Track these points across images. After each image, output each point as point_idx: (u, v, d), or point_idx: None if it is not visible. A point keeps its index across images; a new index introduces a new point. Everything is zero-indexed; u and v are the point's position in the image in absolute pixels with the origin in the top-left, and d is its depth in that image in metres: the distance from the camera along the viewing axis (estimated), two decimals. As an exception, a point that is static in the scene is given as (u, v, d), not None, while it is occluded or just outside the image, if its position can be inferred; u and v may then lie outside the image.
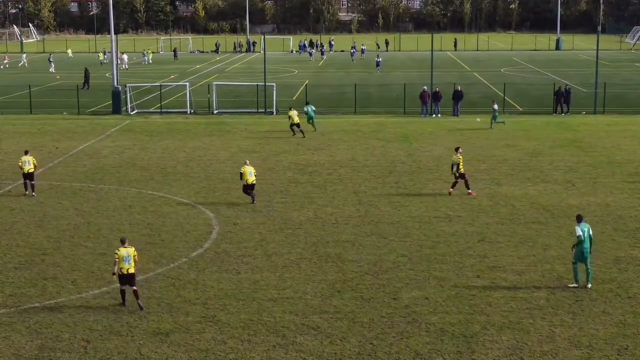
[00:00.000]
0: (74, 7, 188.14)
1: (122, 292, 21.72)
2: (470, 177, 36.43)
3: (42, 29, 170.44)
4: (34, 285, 23.32)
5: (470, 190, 33.48)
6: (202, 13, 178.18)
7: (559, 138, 46.76)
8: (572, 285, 22.76)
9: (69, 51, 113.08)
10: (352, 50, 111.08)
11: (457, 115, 55.40)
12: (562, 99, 56.57)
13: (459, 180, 33.42)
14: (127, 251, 21.58)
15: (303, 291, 22.65)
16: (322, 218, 30.13)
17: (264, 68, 61.09)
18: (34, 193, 34.08)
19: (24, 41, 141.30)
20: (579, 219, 23.18)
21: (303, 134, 47.59)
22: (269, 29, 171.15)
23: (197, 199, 33.19)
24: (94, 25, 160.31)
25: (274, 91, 58.22)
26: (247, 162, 33.11)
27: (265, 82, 58.39)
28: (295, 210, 31.31)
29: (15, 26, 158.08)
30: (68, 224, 29.73)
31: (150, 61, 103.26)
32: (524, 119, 54.52)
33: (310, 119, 49.45)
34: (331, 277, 23.82)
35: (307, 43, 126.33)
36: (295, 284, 23.25)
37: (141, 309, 21.31)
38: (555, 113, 56.36)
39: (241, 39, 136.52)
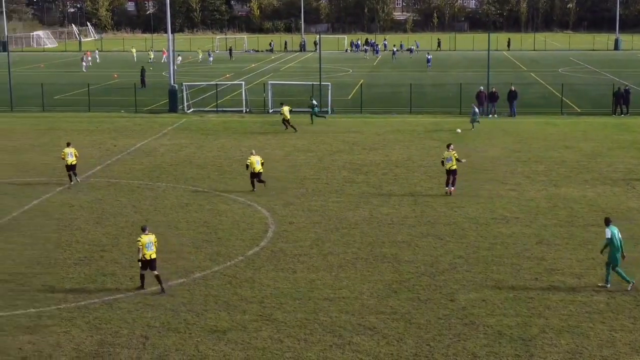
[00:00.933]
0: (130, 6, 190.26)
1: (142, 277, 22.79)
2: (528, 178, 36.12)
3: (100, 28, 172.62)
4: (94, 281, 23.63)
5: (451, 188, 33.32)
6: (257, 12, 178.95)
7: (618, 139, 46.06)
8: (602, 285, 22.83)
9: (134, 50, 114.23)
10: (394, 49, 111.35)
11: (514, 116, 54.87)
12: (621, 100, 55.72)
13: (450, 177, 33.42)
14: (149, 238, 22.76)
15: (359, 291, 22.62)
16: (378, 218, 30.06)
17: (319, 67, 61.11)
18: (77, 179, 35.86)
19: (82, 40, 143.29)
20: (607, 222, 22.90)
21: (295, 129, 49.06)
22: (323, 28, 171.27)
23: (252, 197, 33.32)
24: (151, 24, 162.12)
25: (329, 90, 58.22)
26: (254, 152, 35.14)
27: (320, 82, 58.43)
28: (350, 210, 31.28)
29: (73, 25, 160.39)
30: (126, 221, 30.07)
31: (211, 61, 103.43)
32: (582, 120, 53.81)
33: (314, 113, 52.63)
34: (387, 277, 23.75)
35: (361, 42, 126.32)
36: (351, 283, 23.23)
37: (163, 291, 22.39)
38: (614, 114, 55.52)
39: (295, 38, 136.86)
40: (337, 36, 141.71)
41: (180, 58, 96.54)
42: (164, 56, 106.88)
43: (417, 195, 33.50)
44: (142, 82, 73.81)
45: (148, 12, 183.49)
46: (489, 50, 61.18)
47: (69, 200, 33.13)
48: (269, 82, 61.98)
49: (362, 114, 56.99)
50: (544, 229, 28.56)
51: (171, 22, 61.78)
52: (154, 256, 22.64)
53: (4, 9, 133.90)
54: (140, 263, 22.69)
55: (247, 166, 34.33)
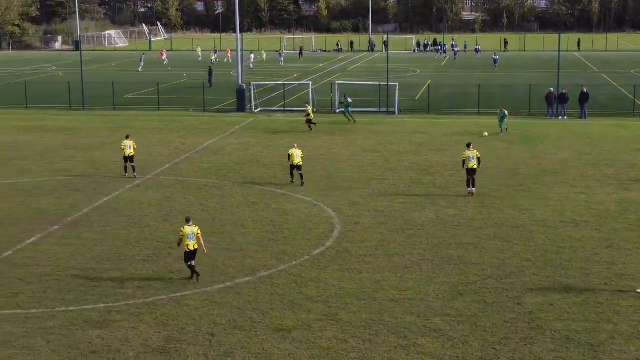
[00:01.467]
0: (200, 6, 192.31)
1: (190, 267, 23.52)
2: (598, 181, 35.56)
3: (170, 27, 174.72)
4: (161, 278, 23.94)
5: (472, 189, 33.33)
6: (325, 12, 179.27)
7: (692, 143, 45.07)
8: None
9: (199, 49, 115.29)
10: (456, 50, 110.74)
11: (585, 118, 54.02)
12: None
13: (470, 177, 33.20)
14: (192, 230, 23.44)
15: (425, 293, 22.52)
16: (444, 220, 29.89)
17: (387, 67, 61.02)
18: (135, 174, 37.05)
19: (153, 39, 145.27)
20: None
21: (310, 127, 49.89)
22: (391, 28, 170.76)
23: (318, 197, 33.42)
24: (220, 24, 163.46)
25: (397, 91, 58.05)
26: (295, 145, 36.29)
27: (387, 82, 58.31)
28: (416, 211, 31.16)
29: (144, 25, 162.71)
30: (193, 219, 30.30)
31: (282, 61, 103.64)
32: (655, 122, 52.78)
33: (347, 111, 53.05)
34: (453, 279, 23.60)
35: (429, 42, 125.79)
36: (416, 285, 23.14)
37: (197, 279, 23.50)
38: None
39: (363, 38, 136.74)
40: (405, 36, 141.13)
41: (252, 57, 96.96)
42: (228, 56, 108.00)
43: (484, 197, 33.22)
44: (210, 81, 74.53)
45: (217, 12, 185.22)
46: (559, 50, 60.34)
47: (139, 198, 33.64)
48: (336, 82, 62.01)
49: (430, 115, 56.69)
50: (614, 233, 28.08)
51: (240, 22, 62.26)
52: (196, 247, 23.38)
53: (77, 9, 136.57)
54: (183, 254, 23.46)
55: (289, 157, 35.44)
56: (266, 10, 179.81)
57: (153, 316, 21.05)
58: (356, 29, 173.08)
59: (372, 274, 24.15)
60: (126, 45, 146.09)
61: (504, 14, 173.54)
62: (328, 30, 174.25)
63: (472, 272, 24.15)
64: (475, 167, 33.18)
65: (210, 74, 76.12)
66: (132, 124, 53.90)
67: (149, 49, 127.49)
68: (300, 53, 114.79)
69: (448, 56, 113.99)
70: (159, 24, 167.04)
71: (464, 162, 33.52)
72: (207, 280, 23.67)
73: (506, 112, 48.91)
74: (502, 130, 48.36)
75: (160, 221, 30.14)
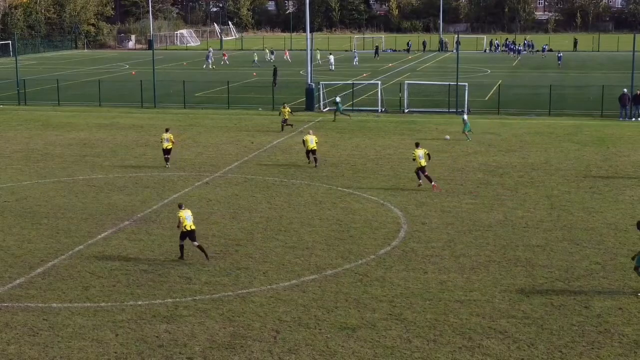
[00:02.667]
0: (271, 5, 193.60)
1: (181, 247, 25.35)
2: (672, 184, 34.88)
3: (241, 27, 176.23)
4: (227, 275, 24.20)
5: (433, 183, 34.46)
6: (395, 12, 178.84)
7: None
8: None
9: (255, 55, 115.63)
10: (519, 48, 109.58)
11: (659, 119, 53.01)
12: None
13: (421, 173, 34.41)
14: (187, 212, 25.22)
15: (491, 294, 22.35)
16: (512, 221, 29.59)
17: (457, 67, 60.65)
18: (167, 164, 39.47)
19: (224, 39, 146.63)
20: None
21: (283, 128, 49.95)
22: (462, 27, 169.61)
23: (385, 196, 33.40)
24: (290, 23, 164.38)
25: (466, 91, 57.62)
26: (311, 132, 39.93)
27: (457, 82, 57.93)
28: (484, 212, 30.92)
29: (215, 24, 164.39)
30: (261, 216, 30.64)
31: (357, 60, 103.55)
32: None
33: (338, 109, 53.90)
34: (520, 281, 23.37)
35: (500, 42, 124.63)
36: (482, 286, 22.98)
37: (207, 258, 25.14)
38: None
39: (433, 37, 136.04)
40: (476, 36, 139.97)
41: (332, 58, 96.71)
42: (286, 56, 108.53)
43: (553, 198, 32.81)
44: (274, 81, 75.08)
45: (288, 12, 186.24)
46: (633, 51, 59.16)
47: (207, 195, 34.04)
48: (405, 81, 61.78)
49: (500, 115, 56.15)
50: (688, 237, 27.46)
51: (310, 22, 62.52)
52: (193, 227, 25.15)
53: (150, 9, 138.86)
54: (180, 234, 25.29)
55: (304, 142, 39.39)
56: (337, 10, 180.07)
57: (219, 312, 21.29)
58: (427, 29, 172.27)
59: (438, 274, 24.05)
60: (198, 44, 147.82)
61: (578, 14, 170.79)
62: (398, 29, 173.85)
63: (540, 275, 23.88)
64: (425, 164, 34.08)
65: (275, 73, 76.53)
66: (202, 122, 54.56)
67: (220, 48, 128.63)
68: (376, 52, 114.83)
69: (520, 56, 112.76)
70: (230, 23, 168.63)
71: (414, 159, 34.49)
72: (273, 278, 23.85)
73: (465, 118, 47.54)
74: (467, 137, 46.89)
75: (228, 218, 30.44)
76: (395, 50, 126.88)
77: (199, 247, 25.31)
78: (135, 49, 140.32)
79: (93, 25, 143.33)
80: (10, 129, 52.48)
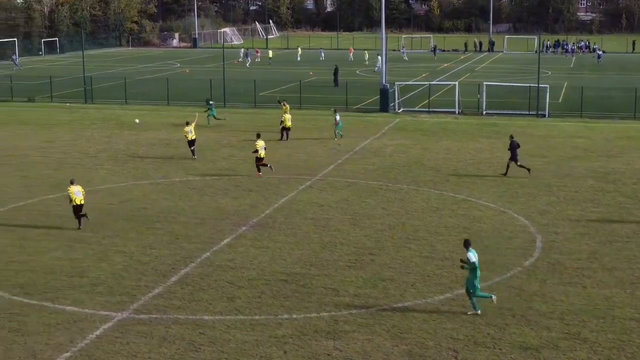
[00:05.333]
0: (310, 4, 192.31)
1: (79, 219, 28.57)
2: None
3: (280, 25, 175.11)
4: (375, 286, 23.03)
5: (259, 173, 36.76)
6: (437, 11, 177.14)
7: None
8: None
9: (299, 49, 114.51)
10: (568, 47, 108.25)
11: None
12: None
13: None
14: (77, 188, 28.54)
15: (665, 312, 21.06)
16: (649, 231, 28.28)
17: (537, 69, 59.27)
18: (194, 156, 41.03)
19: (266, 37, 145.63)
20: (467, 245, 21.23)
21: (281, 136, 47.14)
22: (504, 28, 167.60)
23: (502, 203, 32.13)
24: (330, 22, 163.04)
25: (547, 93, 56.15)
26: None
27: (538, 83, 56.47)
28: (615, 221, 29.55)
29: (257, 23, 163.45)
30: (382, 223, 29.45)
31: (406, 59, 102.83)
32: None
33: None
34: (689, 298, 22.06)
35: (550, 43, 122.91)
36: (652, 303, 21.69)
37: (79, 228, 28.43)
38: None
39: (482, 38, 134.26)
40: (525, 37, 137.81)
41: (379, 58, 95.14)
42: (350, 55, 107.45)
43: (681, 207, 31.44)
44: (335, 81, 73.94)
45: (327, 10, 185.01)
46: None
47: (316, 200, 32.89)
48: (484, 82, 60.24)
49: (582, 119, 54.64)
50: None
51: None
52: (82, 202, 28.47)
53: (195, 7, 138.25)
54: (73, 207, 28.55)
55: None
56: (377, 9, 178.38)
57: (384, 328, 20.11)
58: (468, 29, 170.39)
59: (598, 289, 22.75)
60: (241, 42, 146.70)
61: (623, 15, 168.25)
62: (440, 29, 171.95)
63: None
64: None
65: (336, 73, 75.36)
66: (275, 122, 52.83)
67: (265, 47, 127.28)
68: (434, 52, 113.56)
69: (575, 57, 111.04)
70: (271, 21, 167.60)
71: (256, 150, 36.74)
72: (424, 290, 22.67)
73: (337, 118, 46.76)
74: (336, 136, 46.64)
75: (347, 225, 29.28)
76: (443, 50, 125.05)
77: (84, 215, 28.63)
78: (179, 47, 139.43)
79: (136, 22, 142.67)
80: (86, 128, 51.60)
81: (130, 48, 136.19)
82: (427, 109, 58.20)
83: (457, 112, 56.94)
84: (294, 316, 20.87)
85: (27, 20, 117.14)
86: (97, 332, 19.89)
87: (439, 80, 76.92)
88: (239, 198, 33.21)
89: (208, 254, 26.01)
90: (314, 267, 24.72)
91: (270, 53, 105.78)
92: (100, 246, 26.83)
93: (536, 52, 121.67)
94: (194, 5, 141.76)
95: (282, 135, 46.95)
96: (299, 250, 26.31)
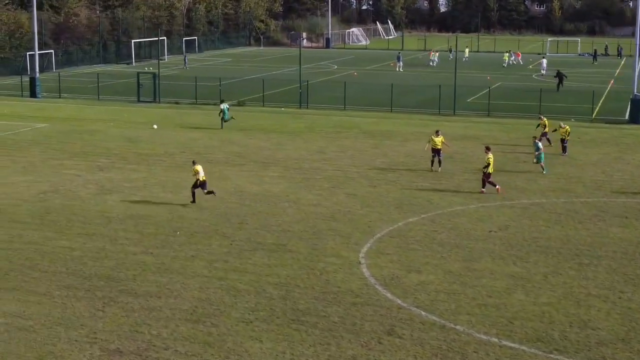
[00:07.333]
0: (421, 4, 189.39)
1: (193, 194, 32.32)
2: None
3: (395, 26, 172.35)
4: None
5: (483, 189, 34.91)
6: (558, 13, 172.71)
7: None
8: None
9: (466, 51, 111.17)
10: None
11: None
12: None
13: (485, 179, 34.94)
14: (199, 167, 32.16)
15: None
16: None
17: None
18: (440, 168, 39.21)
19: (385, 38, 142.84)
20: None
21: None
22: (628, 31, 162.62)
23: None
24: (444, 23, 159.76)
25: None
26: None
27: None
28: None
29: (378, 23, 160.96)
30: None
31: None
32: None
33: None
34: None
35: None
36: None
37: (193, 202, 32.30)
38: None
39: (607, 42, 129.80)
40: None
41: (544, 62, 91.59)
42: (518, 58, 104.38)
43: None
44: (559, 86, 71.17)
45: (442, 11, 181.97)
46: None
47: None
48: None
49: None
50: None
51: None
52: (205, 179, 32.03)
53: (329, 5, 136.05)
54: (196, 183, 32.13)
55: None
56: (495, 10, 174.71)
57: None
58: (591, 32, 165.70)
59: None
60: (367, 43, 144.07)
61: None
62: (560, 32, 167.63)
63: None
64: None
65: (560, 77, 72.18)
66: (526, 131, 49.16)
67: (401, 48, 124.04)
68: (595, 57, 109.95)
69: None
70: (389, 22, 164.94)
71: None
72: None
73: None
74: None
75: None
76: (582, 54, 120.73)
77: (210, 192, 32.26)
78: (311, 47, 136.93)
79: (262, 21, 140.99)
80: (337, 136, 49.03)
81: (261, 47, 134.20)
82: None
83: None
84: None
85: (169, 19, 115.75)
86: None
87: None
88: (628, 227, 30.21)
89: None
90: None
91: (467, 52, 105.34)
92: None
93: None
94: (329, 4, 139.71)
95: (562, 149, 43.92)
96: None
